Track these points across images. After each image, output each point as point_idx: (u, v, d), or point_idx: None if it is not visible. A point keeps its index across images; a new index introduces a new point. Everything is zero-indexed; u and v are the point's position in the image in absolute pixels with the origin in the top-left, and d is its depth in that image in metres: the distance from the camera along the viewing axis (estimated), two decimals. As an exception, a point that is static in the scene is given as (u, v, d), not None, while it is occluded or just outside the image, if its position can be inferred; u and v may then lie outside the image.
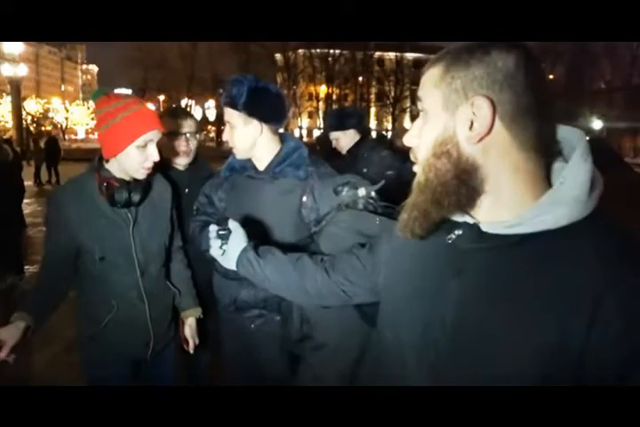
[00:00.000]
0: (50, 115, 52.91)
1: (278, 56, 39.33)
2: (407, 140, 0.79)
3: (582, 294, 0.62)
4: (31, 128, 36.07)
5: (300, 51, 40.16)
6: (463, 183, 0.71)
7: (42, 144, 14.98)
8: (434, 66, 0.73)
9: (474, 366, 0.70)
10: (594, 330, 0.61)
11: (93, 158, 1.67)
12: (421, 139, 0.75)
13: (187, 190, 2.07)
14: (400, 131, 4.61)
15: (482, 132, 0.68)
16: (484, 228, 0.73)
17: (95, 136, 1.95)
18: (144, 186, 1.65)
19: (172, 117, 2.09)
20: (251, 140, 1.69)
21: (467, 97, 0.69)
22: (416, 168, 0.77)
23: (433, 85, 0.72)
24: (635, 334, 0.59)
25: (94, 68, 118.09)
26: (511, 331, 0.66)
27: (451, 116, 0.71)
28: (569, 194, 0.67)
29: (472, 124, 0.69)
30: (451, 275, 0.75)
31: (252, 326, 1.79)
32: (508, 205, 0.71)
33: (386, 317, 0.89)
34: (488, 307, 0.70)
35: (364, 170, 2.97)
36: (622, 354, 0.60)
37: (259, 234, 1.53)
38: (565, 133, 0.74)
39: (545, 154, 0.72)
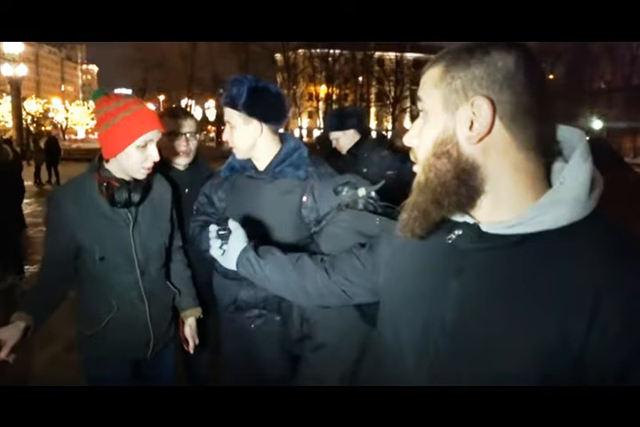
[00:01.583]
0: (50, 115, 52.88)
1: (278, 56, 39.30)
2: (407, 141, 0.79)
3: (582, 294, 0.62)
4: (31, 128, 36.05)
5: (300, 51, 40.13)
6: (463, 183, 0.71)
7: (42, 144, 14.99)
8: (434, 66, 0.73)
9: (474, 365, 0.70)
10: (594, 330, 0.61)
11: (93, 158, 1.67)
12: (421, 139, 0.75)
13: (187, 190, 2.07)
14: (400, 131, 4.60)
15: (482, 132, 0.68)
16: (484, 228, 0.73)
17: (95, 136, 1.95)
18: (144, 186, 1.65)
19: (172, 117, 2.09)
20: (251, 140, 1.69)
21: (467, 97, 0.69)
22: (416, 168, 0.77)
23: (433, 85, 0.72)
24: (635, 334, 0.59)
25: (94, 68, 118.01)
26: (511, 331, 0.66)
27: (451, 116, 0.71)
28: (569, 194, 0.67)
29: (472, 124, 0.69)
30: (451, 275, 0.75)
31: (252, 326, 1.79)
32: (508, 205, 0.71)
33: (386, 317, 0.89)
34: (488, 307, 0.70)
35: (364, 170, 2.97)
36: (622, 354, 0.60)
37: (259, 234, 1.53)
38: (565, 133, 0.74)
39: (545, 154, 0.72)
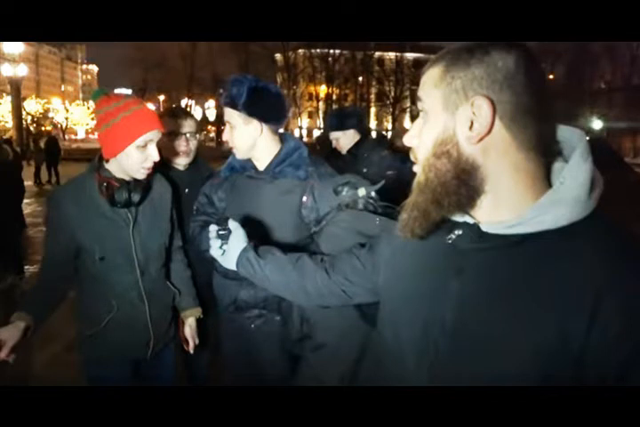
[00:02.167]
0: (50, 115, 52.89)
1: (278, 56, 39.30)
2: (407, 141, 0.79)
3: (582, 294, 0.62)
4: (31, 128, 36.06)
5: (300, 51, 40.13)
6: (463, 183, 0.71)
7: (42, 144, 14.99)
8: (434, 66, 0.73)
9: (473, 365, 0.70)
10: (594, 330, 0.61)
11: (93, 158, 1.67)
12: (421, 139, 0.75)
13: (187, 190, 2.07)
14: (400, 131, 4.60)
15: (482, 132, 0.68)
16: (484, 228, 0.73)
17: (95, 136, 1.95)
18: (144, 186, 1.65)
19: (172, 117, 2.09)
20: (251, 140, 1.69)
21: (467, 97, 0.69)
22: (416, 168, 0.77)
23: (433, 85, 0.72)
24: (635, 334, 0.59)
25: (94, 68, 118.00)
26: (511, 331, 0.66)
27: (451, 116, 0.71)
28: (569, 194, 0.67)
29: (472, 124, 0.69)
30: (451, 275, 0.75)
31: (252, 326, 1.79)
32: (508, 205, 0.71)
33: (386, 317, 0.89)
34: (488, 307, 0.70)
35: (364, 170, 2.97)
36: (622, 354, 0.60)
37: (259, 234, 1.53)
38: (565, 133, 0.74)
39: (545, 154, 0.72)
